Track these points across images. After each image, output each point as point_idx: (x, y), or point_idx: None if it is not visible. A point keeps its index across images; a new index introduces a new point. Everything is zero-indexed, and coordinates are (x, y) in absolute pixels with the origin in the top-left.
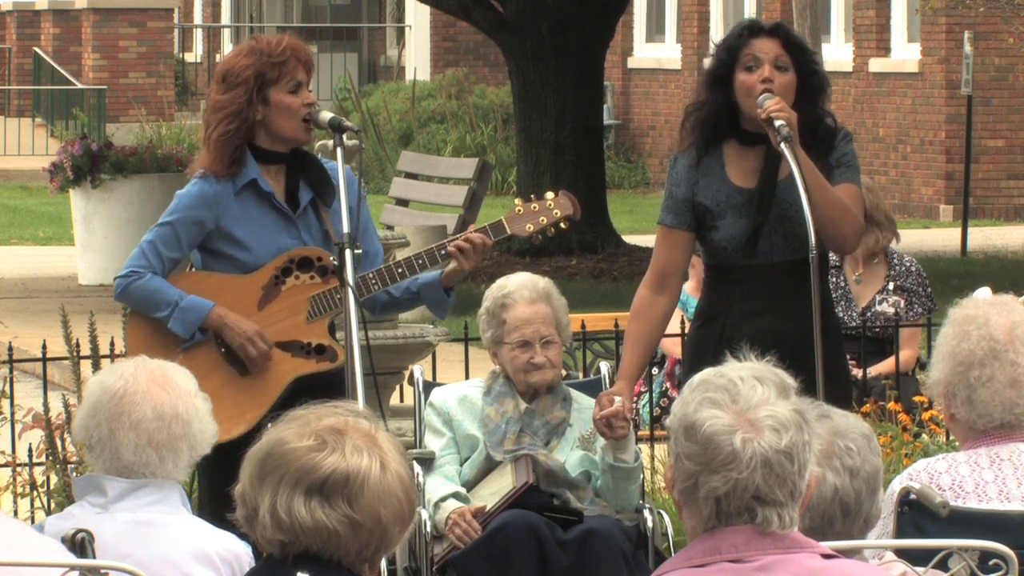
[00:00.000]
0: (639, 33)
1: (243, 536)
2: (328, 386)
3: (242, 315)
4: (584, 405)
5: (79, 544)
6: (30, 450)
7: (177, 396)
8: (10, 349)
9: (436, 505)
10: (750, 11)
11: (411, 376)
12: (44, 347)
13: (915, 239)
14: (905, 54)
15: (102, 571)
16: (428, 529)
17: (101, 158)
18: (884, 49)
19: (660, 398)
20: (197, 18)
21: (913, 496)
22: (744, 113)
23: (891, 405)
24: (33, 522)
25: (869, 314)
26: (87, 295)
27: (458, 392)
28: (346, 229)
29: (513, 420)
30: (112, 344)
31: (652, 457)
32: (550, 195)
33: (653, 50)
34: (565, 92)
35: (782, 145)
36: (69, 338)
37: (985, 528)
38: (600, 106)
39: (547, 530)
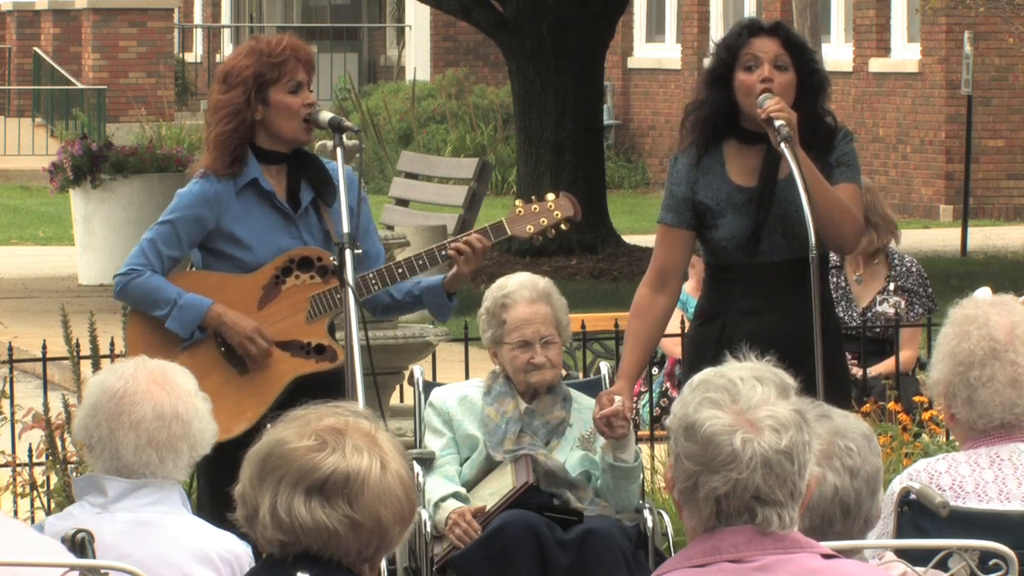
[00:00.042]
0: (639, 33)
1: (243, 536)
2: (328, 386)
3: (242, 314)
4: (584, 405)
5: (79, 544)
6: (30, 450)
7: (177, 396)
8: (10, 349)
9: (436, 505)
10: (750, 11)
11: (411, 376)
12: (44, 347)
13: (915, 239)
14: (905, 54)
15: (102, 571)
16: (428, 529)
17: (101, 158)
18: (884, 49)
19: (660, 398)
20: (197, 18)
21: (913, 496)
22: (744, 112)
23: (891, 405)
24: (33, 522)
25: (870, 314)
26: (87, 295)
27: (458, 392)
28: (346, 229)
29: (513, 420)
30: (112, 344)
31: (652, 457)
32: (551, 196)
33: (653, 50)
34: (565, 92)
35: (782, 145)
36: (69, 338)
37: (985, 528)
38: (600, 106)
39: (547, 530)
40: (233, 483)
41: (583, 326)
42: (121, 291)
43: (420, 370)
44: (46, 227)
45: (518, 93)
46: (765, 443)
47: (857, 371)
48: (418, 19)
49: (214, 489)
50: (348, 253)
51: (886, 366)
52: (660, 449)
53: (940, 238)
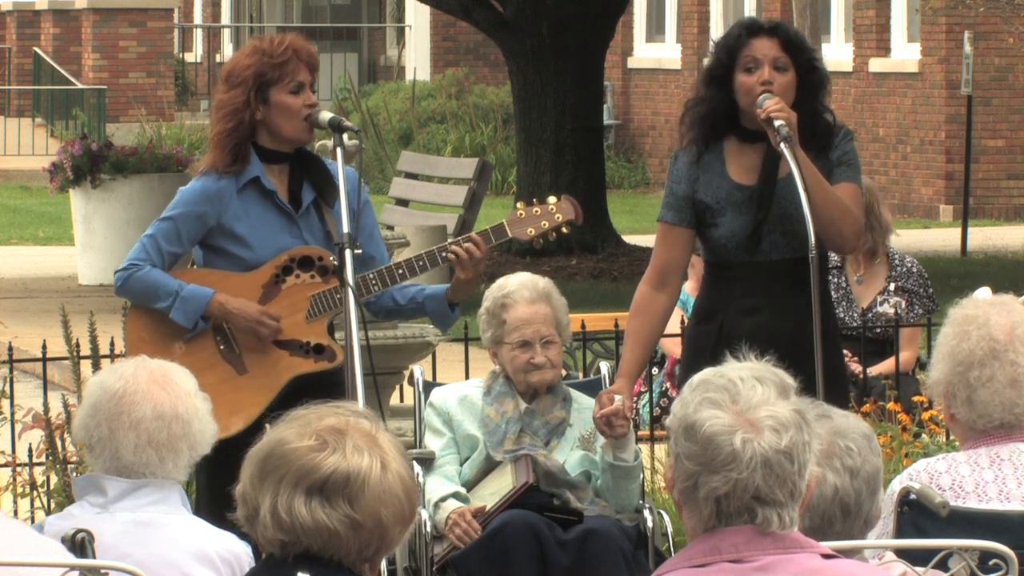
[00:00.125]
0: (639, 33)
1: (243, 536)
2: (328, 386)
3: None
4: (584, 405)
5: (79, 544)
6: (30, 450)
7: (177, 396)
8: (10, 349)
9: (436, 505)
10: (750, 11)
11: (411, 376)
12: (44, 347)
13: (915, 239)
14: (905, 54)
15: (102, 571)
16: (428, 529)
17: (101, 158)
18: (884, 49)
19: (660, 398)
20: (197, 18)
21: (913, 496)
22: (744, 111)
23: (891, 405)
24: (33, 522)
25: (870, 315)
26: (87, 295)
27: (458, 392)
28: (346, 229)
29: (513, 420)
30: (112, 344)
31: (652, 457)
32: (552, 199)
33: (653, 50)
34: (565, 92)
35: (782, 145)
36: (69, 338)
37: (985, 528)
38: (600, 106)
39: (547, 530)
40: (233, 483)
41: (583, 326)
42: (122, 286)
43: (420, 370)
44: (46, 227)
45: (518, 93)
46: (765, 443)
47: (857, 368)
48: (418, 19)
49: (214, 489)
50: (348, 253)
51: (886, 366)
52: (660, 449)
53: (940, 238)
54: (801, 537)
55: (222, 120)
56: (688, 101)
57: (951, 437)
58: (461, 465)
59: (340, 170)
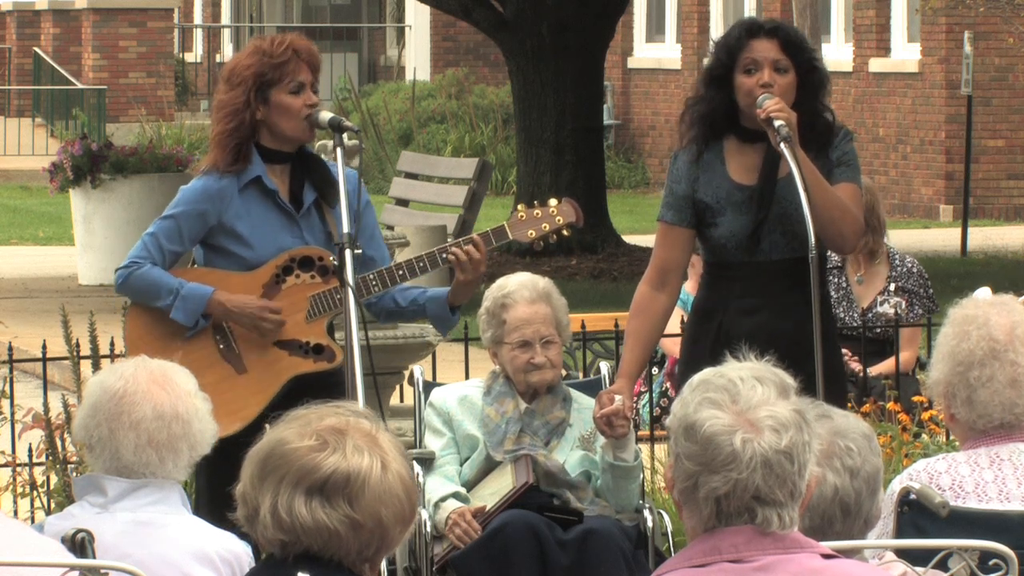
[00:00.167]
0: (639, 33)
1: (243, 536)
2: (328, 386)
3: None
4: (584, 405)
5: (79, 544)
6: (30, 450)
7: (177, 396)
8: (10, 349)
9: (436, 505)
10: (750, 11)
11: (411, 376)
12: (44, 347)
13: (915, 239)
14: (905, 54)
15: (102, 571)
16: (428, 529)
17: (101, 158)
18: (884, 49)
19: (660, 398)
20: (197, 18)
21: (913, 496)
22: (743, 111)
23: (891, 405)
24: (33, 522)
25: (870, 315)
26: (87, 295)
27: (458, 392)
28: (346, 229)
29: (513, 420)
30: (112, 344)
31: (652, 457)
32: (553, 202)
33: (653, 50)
34: (565, 92)
35: (782, 145)
36: (69, 338)
37: (985, 528)
38: (600, 106)
39: (547, 530)
40: (233, 483)
41: (583, 326)
42: (123, 284)
43: (420, 370)
44: (46, 227)
45: (518, 93)
46: (765, 443)
47: (857, 367)
48: (418, 19)
49: (214, 489)
50: (348, 253)
51: (886, 366)
52: (660, 449)
53: (940, 238)
54: (801, 537)
55: (223, 120)
56: (688, 100)
57: (951, 437)
58: (461, 465)
59: (340, 170)
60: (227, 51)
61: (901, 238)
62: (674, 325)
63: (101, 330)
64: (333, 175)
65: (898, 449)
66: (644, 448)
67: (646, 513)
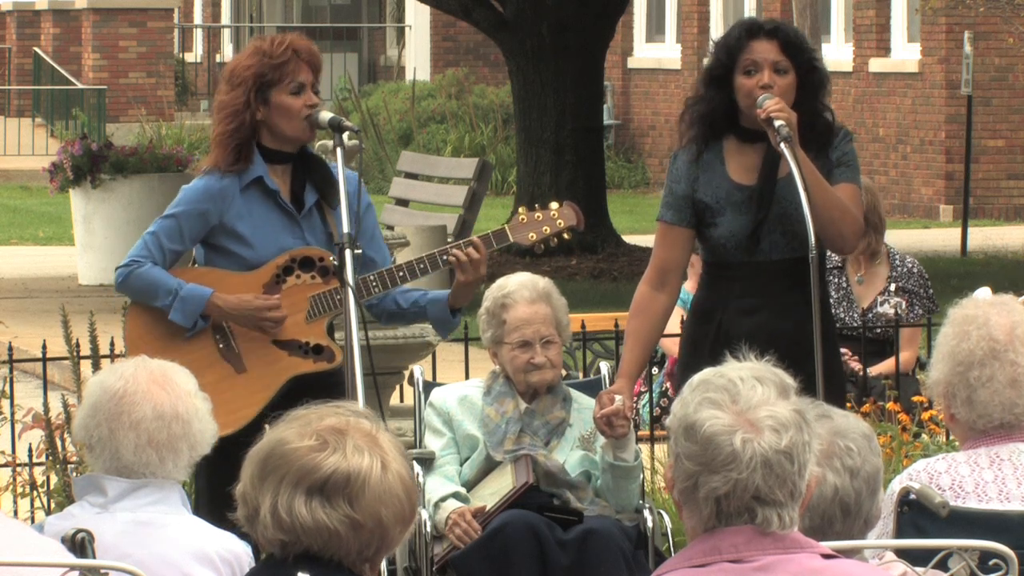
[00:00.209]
0: (639, 33)
1: (243, 536)
2: (327, 386)
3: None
4: (584, 405)
5: (79, 544)
6: (30, 450)
7: (177, 396)
8: (10, 349)
9: (436, 505)
10: (750, 11)
11: (411, 376)
12: (44, 347)
13: (915, 239)
14: (905, 54)
15: (102, 571)
16: (428, 529)
17: (101, 158)
18: (884, 49)
19: (660, 398)
20: (197, 18)
21: (913, 496)
22: (743, 111)
23: (891, 405)
24: (33, 522)
25: (871, 315)
26: (87, 295)
27: (458, 392)
28: (346, 229)
29: (513, 420)
30: (112, 344)
31: (652, 457)
32: (554, 205)
33: (653, 50)
34: (565, 92)
35: (782, 145)
36: (69, 338)
37: (985, 528)
38: (600, 106)
39: (547, 530)
40: (233, 483)
41: (583, 326)
42: (123, 282)
43: (420, 370)
44: (46, 227)
45: (518, 93)
46: (765, 443)
47: (857, 366)
48: (418, 19)
49: (214, 489)
50: (348, 253)
51: (886, 366)
52: (660, 449)
53: (940, 238)
54: (801, 537)
55: (223, 121)
56: (688, 100)
57: (951, 437)
58: (461, 465)
59: (340, 170)
60: (227, 51)
61: (901, 238)
62: (674, 325)
63: (101, 330)
64: (334, 176)
65: (898, 449)
66: (644, 448)
67: (646, 513)
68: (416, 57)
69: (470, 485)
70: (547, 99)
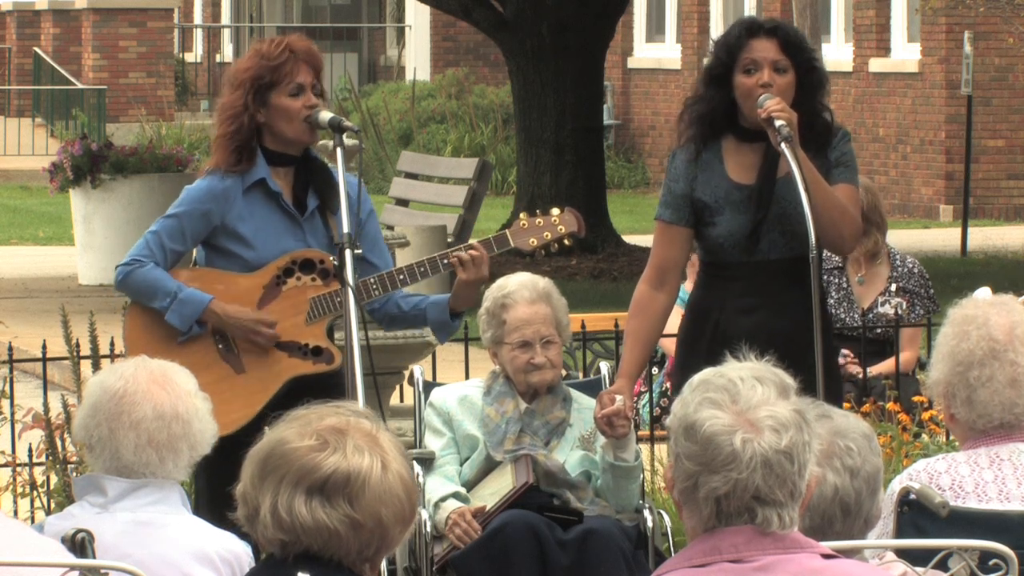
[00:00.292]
0: (639, 33)
1: (243, 536)
2: (327, 388)
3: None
4: (584, 405)
5: (79, 544)
6: (30, 450)
7: (177, 396)
8: (10, 349)
9: (436, 505)
10: (750, 11)
11: (411, 376)
12: (44, 347)
13: (915, 239)
14: (905, 54)
15: (102, 571)
16: (428, 529)
17: (101, 158)
18: (884, 49)
19: (660, 398)
20: (197, 18)
21: (913, 496)
22: (742, 111)
23: (891, 405)
24: (33, 522)
25: (871, 315)
26: (87, 295)
27: (458, 392)
28: (346, 229)
29: (513, 420)
30: (112, 344)
31: (652, 457)
32: (555, 211)
33: (653, 50)
34: (565, 92)
35: (782, 145)
36: (69, 338)
37: (985, 528)
38: (600, 106)
39: (547, 530)
40: (233, 483)
41: (583, 326)
42: (122, 281)
43: (420, 370)
44: (46, 227)
45: (518, 93)
46: (765, 443)
47: (857, 370)
48: (418, 19)
49: (214, 489)
50: (348, 253)
51: (886, 366)
52: (660, 449)
53: (940, 238)
54: (801, 537)
55: (223, 123)
56: (687, 99)
57: (951, 437)
58: (461, 465)
59: (340, 170)
60: (227, 51)
61: (901, 238)
62: (674, 325)
63: (101, 330)
64: (336, 181)
65: (898, 449)
66: (644, 448)
67: (646, 513)
68: (416, 57)
69: (470, 485)
70: (547, 99)
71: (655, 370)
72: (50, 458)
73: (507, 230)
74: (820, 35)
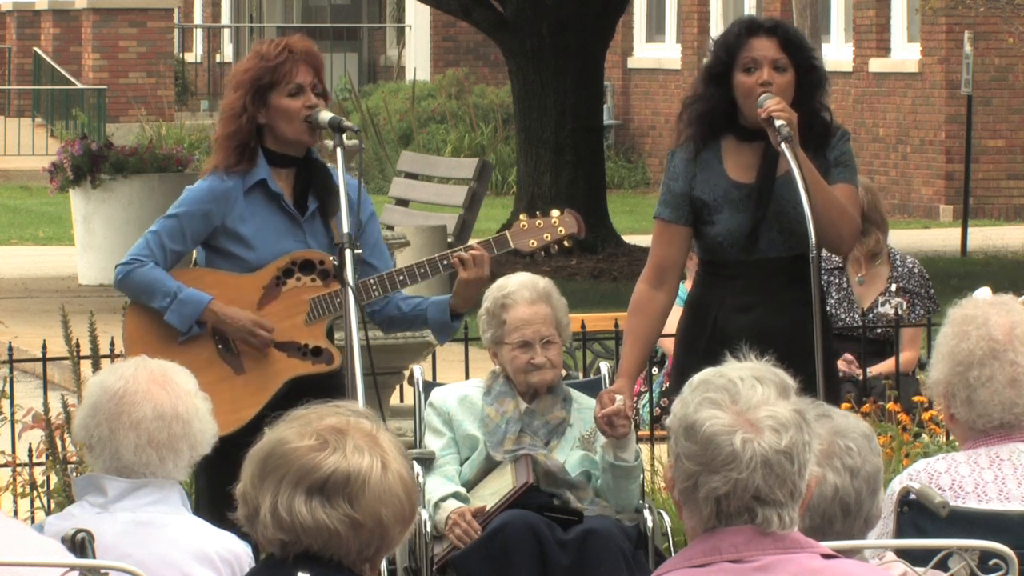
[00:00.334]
0: (639, 33)
1: (243, 536)
2: (327, 388)
3: (240, 308)
4: (584, 405)
5: (79, 544)
6: (30, 450)
7: (177, 396)
8: (10, 349)
9: (436, 505)
10: (750, 11)
11: (411, 376)
12: (44, 347)
13: (915, 239)
14: (905, 54)
15: (102, 571)
16: (428, 529)
17: (101, 158)
18: (884, 49)
19: (660, 398)
20: (197, 18)
21: (913, 496)
22: (742, 110)
23: (891, 405)
24: (33, 522)
25: (871, 315)
26: (87, 295)
27: (458, 392)
28: (346, 229)
29: (513, 420)
30: (112, 344)
31: (652, 457)
32: (556, 212)
33: (653, 50)
34: (565, 92)
35: (782, 145)
36: (69, 338)
37: (985, 528)
38: (600, 106)
39: (547, 530)
40: (233, 483)
41: (583, 326)
42: (122, 280)
43: (420, 370)
44: (46, 227)
45: (518, 93)
46: (765, 443)
47: (857, 371)
48: (418, 19)
49: (214, 489)
50: (348, 253)
51: (886, 366)
52: (660, 449)
53: (940, 238)
54: (801, 537)
55: (224, 123)
56: (686, 99)
57: (951, 437)
58: (461, 465)
59: (340, 170)
60: (227, 51)
61: (901, 238)
62: (674, 324)
63: (101, 330)
64: (336, 185)
65: (898, 449)
66: (644, 448)
67: (646, 513)
68: (416, 57)
69: (470, 485)
70: (547, 99)
71: (655, 370)
72: (50, 458)
73: (507, 231)
74: (820, 35)
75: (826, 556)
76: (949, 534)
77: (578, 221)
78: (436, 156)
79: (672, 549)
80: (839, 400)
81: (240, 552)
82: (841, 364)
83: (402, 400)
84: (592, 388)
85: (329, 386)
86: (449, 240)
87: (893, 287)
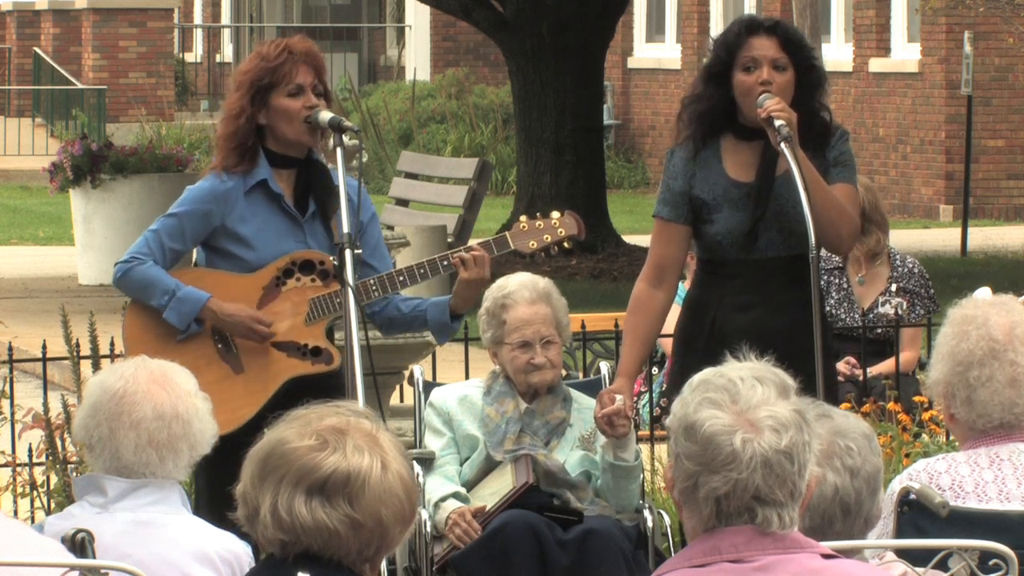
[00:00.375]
0: (639, 33)
1: (243, 536)
2: (327, 388)
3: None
4: (584, 405)
5: (79, 544)
6: (30, 450)
7: (177, 396)
8: (10, 349)
9: (436, 505)
10: (750, 11)
11: (411, 376)
12: (44, 347)
13: (915, 239)
14: (905, 54)
15: (102, 571)
16: (428, 529)
17: (101, 158)
18: (884, 49)
19: (660, 398)
20: (197, 18)
21: (913, 496)
22: (741, 109)
23: (891, 405)
24: (33, 522)
25: (871, 315)
26: (87, 295)
27: (458, 392)
28: (346, 229)
29: (513, 420)
30: (112, 344)
31: (652, 457)
32: (556, 214)
33: (653, 50)
34: (565, 92)
35: (782, 145)
36: (69, 338)
37: (985, 528)
38: (600, 106)
39: (547, 530)
40: (233, 483)
41: (583, 326)
42: (121, 278)
43: (420, 370)
44: (46, 227)
45: (518, 93)
46: (765, 443)
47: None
48: (418, 19)
49: (214, 489)
50: (348, 253)
51: (886, 366)
52: (660, 449)
53: (940, 238)
54: (801, 537)
55: (224, 123)
56: (685, 98)
57: (951, 437)
58: (461, 465)
59: (340, 170)
60: (227, 51)
61: (901, 238)
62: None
63: (101, 330)
64: (336, 186)
65: (898, 449)
66: (644, 448)
67: (646, 513)
68: (416, 57)
69: (470, 485)
70: (547, 99)
71: (655, 370)
72: (50, 458)
73: (507, 232)
74: (820, 35)
75: (826, 556)
76: (949, 534)
77: (578, 223)
78: (436, 156)
79: (672, 549)
80: (837, 400)
81: (240, 552)
82: (842, 367)
83: (402, 400)
84: (592, 388)
85: (329, 386)
86: (449, 240)
87: (893, 287)
